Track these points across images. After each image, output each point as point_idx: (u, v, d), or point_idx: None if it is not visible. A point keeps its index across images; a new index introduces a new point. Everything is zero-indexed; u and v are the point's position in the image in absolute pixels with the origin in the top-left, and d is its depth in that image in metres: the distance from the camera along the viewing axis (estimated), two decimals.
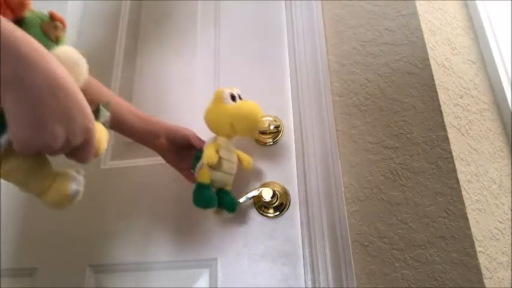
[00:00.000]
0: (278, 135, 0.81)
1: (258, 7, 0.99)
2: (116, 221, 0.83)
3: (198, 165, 0.68)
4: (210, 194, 0.68)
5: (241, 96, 0.73)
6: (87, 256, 0.81)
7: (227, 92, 0.70)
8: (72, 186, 0.44)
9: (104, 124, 0.48)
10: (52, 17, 0.46)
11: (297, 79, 0.85)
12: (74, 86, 0.39)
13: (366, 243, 0.68)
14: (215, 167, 0.67)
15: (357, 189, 0.72)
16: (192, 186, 0.69)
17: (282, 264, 0.73)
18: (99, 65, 0.98)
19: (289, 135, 0.82)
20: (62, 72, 0.39)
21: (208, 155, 0.65)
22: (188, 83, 0.95)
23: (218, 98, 0.70)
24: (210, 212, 0.73)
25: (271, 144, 0.81)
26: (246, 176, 0.78)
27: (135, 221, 0.82)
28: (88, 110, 0.40)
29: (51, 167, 0.45)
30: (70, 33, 0.95)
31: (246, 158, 0.73)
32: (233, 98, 0.70)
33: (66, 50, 0.45)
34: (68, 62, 0.43)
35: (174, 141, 0.74)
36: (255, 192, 0.73)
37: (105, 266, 0.81)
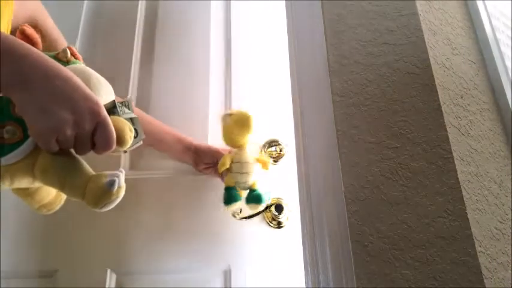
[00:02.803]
0: (280, 156, 0.91)
1: (258, 7, 1.00)
2: (135, 227, 0.87)
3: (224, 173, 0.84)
4: (231, 193, 0.80)
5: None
6: (108, 259, 0.84)
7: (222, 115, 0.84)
8: (107, 178, 0.45)
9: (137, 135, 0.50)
10: (67, 48, 0.51)
11: (297, 79, 0.85)
12: (71, 75, 0.43)
13: (366, 243, 0.68)
14: (232, 170, 0.81)
15: (357, 189, 0.72)
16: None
17: (284, 266, 0.74)
18: (116, 68, 1.01)
19: (289, 136, 0.82)
20: (57, 64, 0.43)
21: (220, 163, 0.81)
22: (201, 84, 0.99)
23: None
24: (222, 222, 0.86)
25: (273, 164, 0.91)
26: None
27: (154, 228, 0.86)
28: (90, 94, 0.43)
29: (89, 171, 0.47)
30: (85, 35, 0.99)
31: (263, 160, 0.85)
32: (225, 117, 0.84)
33: (75, 66, 0.50)
34: (81, 74, 0.47)
35: (203, 154, 0.89)
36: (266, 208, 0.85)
37: (126, 269, 0.84)
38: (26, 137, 0.43)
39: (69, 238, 0.86)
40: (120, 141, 0.45)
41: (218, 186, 0.88)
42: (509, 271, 0.67)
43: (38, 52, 0.42)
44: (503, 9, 1.06)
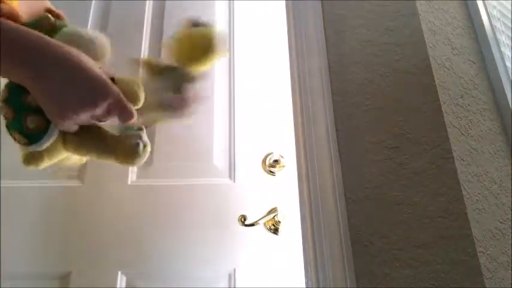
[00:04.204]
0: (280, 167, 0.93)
1: (259, 8, 1.00)
2: (145, 231, 0.89)
3: None
4: None
5: None
6: (119, 262, 0.86)
7: None
8: (134, 140, 0.49)
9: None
10: (48, 12, 0.51)
11: (298, 79, 0.85)
12: (80, 58, 0.45)
13: (366, 243, 0.68)
14: None
15: (357, 189, 0.72)
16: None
17: (286, 267, 0.75)
18: (124, 67, 1.02)
19: (290, 136, 0.82)
20: (64, 49, 0.44)
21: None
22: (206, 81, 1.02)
23: None
24: (228, 228, 0.88)
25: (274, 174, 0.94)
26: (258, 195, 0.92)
27: (163, 233, 0.89)
28: (98, 74, 0.45)
29: (113, 134, 0.51)
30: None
31: None
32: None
33: (65, 32, 0.50)
34: (73, 41, 0.48)
35: None
36: (269, 217, 0.87)
37: (136, 271, 0.86)
38: (48, 121, 0.47)
39: (81, 242, 0.88)
40: (134, 98, 0.48)
41: (227, 195, 0.91)
42: (509, 271, 0.67)
43: (43, 38, 0.43)
44: (503, 9, 1.06)
